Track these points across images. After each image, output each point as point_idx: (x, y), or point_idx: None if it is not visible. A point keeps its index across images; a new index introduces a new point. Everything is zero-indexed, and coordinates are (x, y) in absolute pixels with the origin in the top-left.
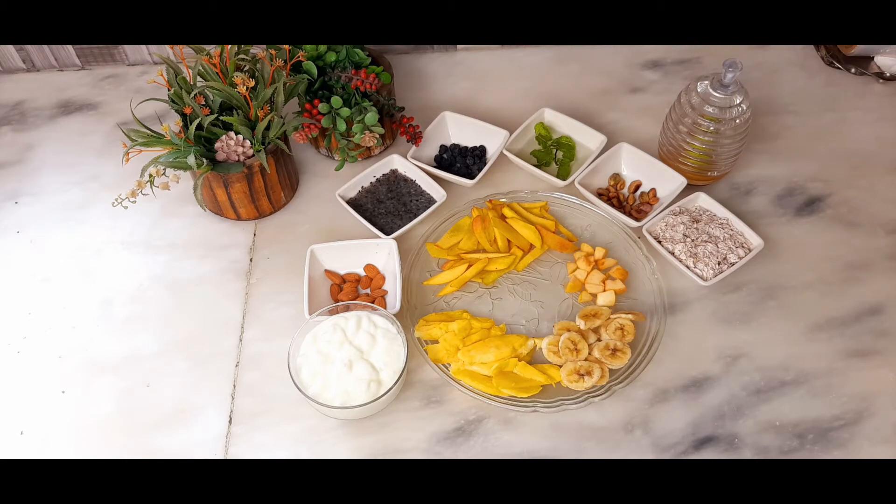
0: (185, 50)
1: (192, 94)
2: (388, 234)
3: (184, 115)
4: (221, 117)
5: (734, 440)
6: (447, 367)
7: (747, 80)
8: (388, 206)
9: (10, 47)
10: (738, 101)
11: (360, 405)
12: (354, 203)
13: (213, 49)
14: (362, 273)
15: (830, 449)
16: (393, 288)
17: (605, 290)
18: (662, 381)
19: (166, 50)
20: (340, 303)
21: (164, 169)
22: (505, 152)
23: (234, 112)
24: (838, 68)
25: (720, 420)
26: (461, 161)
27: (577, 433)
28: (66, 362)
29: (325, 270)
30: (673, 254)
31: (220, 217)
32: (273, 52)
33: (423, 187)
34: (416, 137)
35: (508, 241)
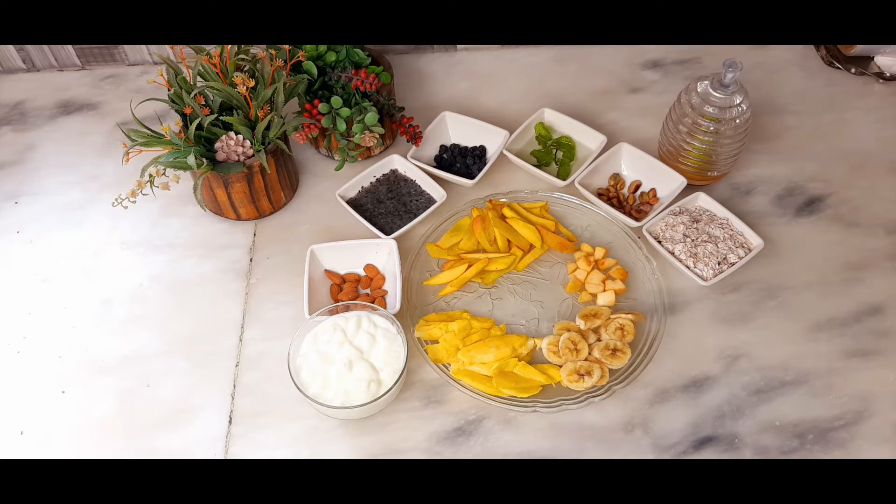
0: (185, 50)
1: (192, 94)
2: (388, 234)
3: (184, 115)
4: (221, 117)
5: (734, 440)
6: (447, 367)
7: (747, 80)
8: (388, 206)
9: (10, 47)
10: (738, 101)
11: (360, 405)
12: (354, 203)
13: (213, 49)
14: (362, 273)
15: (830, 449)
16: (393, 288)
17: (605, 290)
18: (662, 381)
19: (166, 50)
20: (340, 303)
21: (164, 169)
22: (505, 152)
23: (234, 112)
24: (838, 68)
25: (720, 420)
26: (461, 161)
27: (577, 433)
28: (66, 362)
29: (325, 270)
30: (673, 254)
31: (220, 217)
32: (273, 52)
33: (423, 187)
34: (416, 137)
35: (508, 241)
